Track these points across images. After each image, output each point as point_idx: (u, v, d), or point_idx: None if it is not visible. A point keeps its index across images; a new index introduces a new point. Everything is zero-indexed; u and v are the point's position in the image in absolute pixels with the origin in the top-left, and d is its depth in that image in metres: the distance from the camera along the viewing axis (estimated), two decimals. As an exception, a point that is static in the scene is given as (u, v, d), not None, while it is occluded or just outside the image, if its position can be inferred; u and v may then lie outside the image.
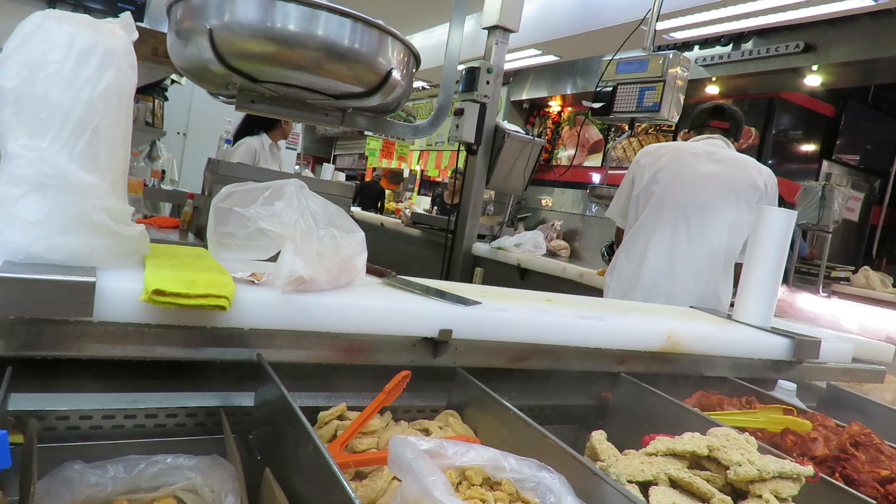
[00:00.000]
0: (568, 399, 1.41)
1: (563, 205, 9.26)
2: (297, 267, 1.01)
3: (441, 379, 1.22)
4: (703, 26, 4.50)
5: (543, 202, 9.76)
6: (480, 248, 3.85)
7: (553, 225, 8.11)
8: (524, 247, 3.60)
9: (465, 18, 1.73)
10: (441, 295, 1.23)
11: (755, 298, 1.74)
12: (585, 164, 9.35)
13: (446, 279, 3.98)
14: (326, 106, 1.43)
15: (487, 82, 3.68)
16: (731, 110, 2.54)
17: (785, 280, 6.11)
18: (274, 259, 1.08)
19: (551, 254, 5.36)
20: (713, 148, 2.40)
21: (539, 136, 10.04)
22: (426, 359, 1.17)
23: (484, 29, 3.80)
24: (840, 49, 5.51)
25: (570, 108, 9.33)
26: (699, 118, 2.55)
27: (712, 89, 7.22)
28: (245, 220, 1.11)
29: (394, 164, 13.92)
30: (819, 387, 1.78)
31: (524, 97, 9.35)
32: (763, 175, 2.40)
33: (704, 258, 2.34)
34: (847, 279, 6.07)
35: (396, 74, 1.29)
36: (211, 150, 3.93)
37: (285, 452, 0.85)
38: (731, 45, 6.14)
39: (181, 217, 3.17)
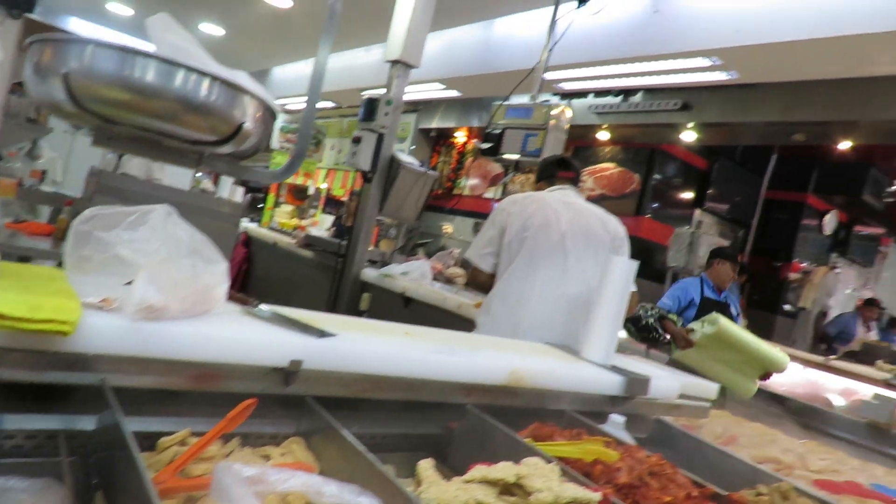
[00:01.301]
0: (418, 428, 1.51)
1: (464, 232, 9.52)
2: (149, 295, 1.05)
3: (291, 407, 1.28)
4: (590, 80, 4.86)
5: (445, 229, 10.00)
6: (370, 273, 3.93)
7: (451, 252, 8.32)
8: (411, 275, 3.72)
9: (320, 87, 1.83)
10: (297, 326, 1.30)
11: (598, 338, 1.93)
12: (486, 195, 9.69)
13: (334, 303, 4.02)
14: (182, 149, 1.47)
15: (386, 113, 3.80)
16: (574, 162, 2.80)
17: (656, 317, 6.62)
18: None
19: (447, 280, 5.52)
20: (568, 198, 2.62)
21: (445, 164, 10.31)
22: (277, 387, 1.23)
23: (387, 62, 3.93)
24: (712, 111, 6.10)
25: (474, 140, 9.66)
26: (548, 169, 2.76)
27: (603, 135, 7.76)
28: (104, 245, 1.13)
29: (299, 181, 13.74)
30: (650, 421, 1.99)
31: (433, 126, 9.58)
32: (611, 223, 2.64)
33: (568, 301, 2.54)
34: (709, 319, 6.65)
35: (249, 126, 1.36)
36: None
37: (116, 477, 0.89)
38: (621, 97, 6.63)
39: (57, 224, 3.02)
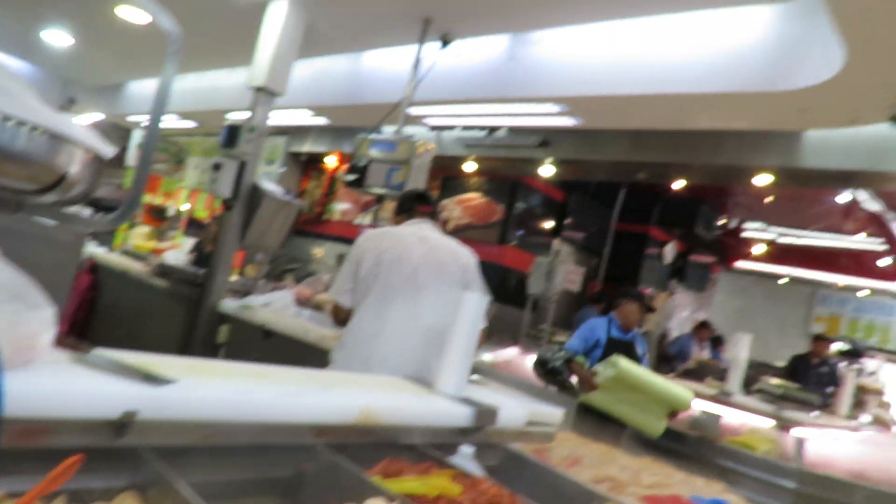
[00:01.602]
0: (267, 472, 1.49)
1: (334, 258, 9.41)
2: (-44, 349, 0.97)
3: (126, 459, 1.22)
4: (454, 117, 5.08)
5: (315, 254, 9.84)
6: (229, 305, 3.78)
7: (320, 278, 8.18)
8: (273, 306, 3.63)
9: (158, 123, 1.79)
10: (133, 373, 1.25)
11: (450, 371, 2.01)
12: (357, 220, 9.68)
13: (189, 336, 3.82)
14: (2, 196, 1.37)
15: (249, 141, 3.72)
16: (432, 196, 2.91)
17: (517, 341, 6.94)
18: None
19: (316, 307, 5.42)
20: (424, 232, 2.71)
21: (315, 188, 10.18)
22: (109, 440, 1.17)
23: (250, 89, 3.86)
24: (567, 148, 6.58)
25: (346, 165, 9.63)
26: (407, 203, 2.84)
27: (470, 166, 8.08)
28: None
29: (158, 200, 12.89)
30: (501, 448, 2.10)
31: (304, 150, 9.44)
32: (464, 256, 2.75)
33: (421, 334, 2.61)
34: (563, 342, 7.08)
35: (75, 174, 1.30)
36: None
37: None
38: (486, 132, 6.96)
39: None
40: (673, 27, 3.32)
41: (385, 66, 4.77)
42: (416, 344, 2.61)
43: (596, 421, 3.30)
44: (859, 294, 11.74)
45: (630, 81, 3.53)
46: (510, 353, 6.48)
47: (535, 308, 7.68)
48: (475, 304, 2.08)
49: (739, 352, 5.70)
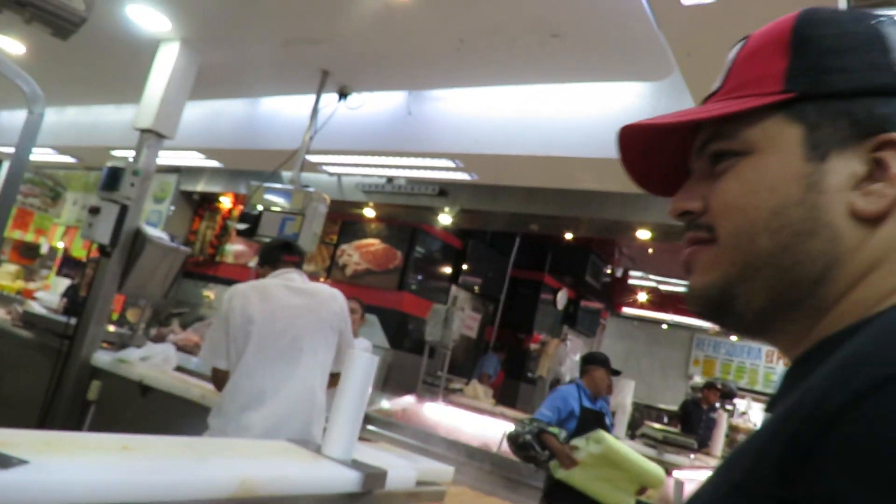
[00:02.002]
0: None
1: (227, 301, 8.98)
2: None
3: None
4: (353, 166, 5.10)
5: (206, 297, 9.38)
6: (103, 358, 3.51)
7: (210, 323, 7.81)
8: (152, 360, 3.41)
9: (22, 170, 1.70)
10: (-23, 457, 1.13)
11: (338, 433, 1.97)
12: (251, 263, 9.36)
13: (56, 394, 3.50)
14: None
15: (132, 184, 3.54)
16: (297, 245, 2.87)
17: (414, 390, 6.91)
18: None
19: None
20: (293, 283, 2.63)
21: (208, 229, 9.77)
22: (-60, 535, 1.05)
23: (136, 130, 3.70)
24: (465, 198, 6.76)
25: (241, 206, 9.35)
26: (272, 255, 2.74)
27: (369, 212, 8.10)
28: None
29: (29, 237, 11.86)
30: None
31: (197, 189, 9.07)
32: (338, 300, 2.70)
33: (302, 391, 2.54)
34: (461, 390, 7.14)
35: None
36: None
37: None
38: (385, 179, 7.02)
39: None
40: (559, 95, 3.56)
41: (283, 112, 4.74)
42: (299, 403, 2.52)
43: (571, 499, 3.15)
44: (732, 338, 12.73)
45: (520, 143, 3.72)
46: (407, 400, 6.43)
47: (432, 355, 7.70)
48: (364, 362, 2.06)
49: (625, 397, 5.98)
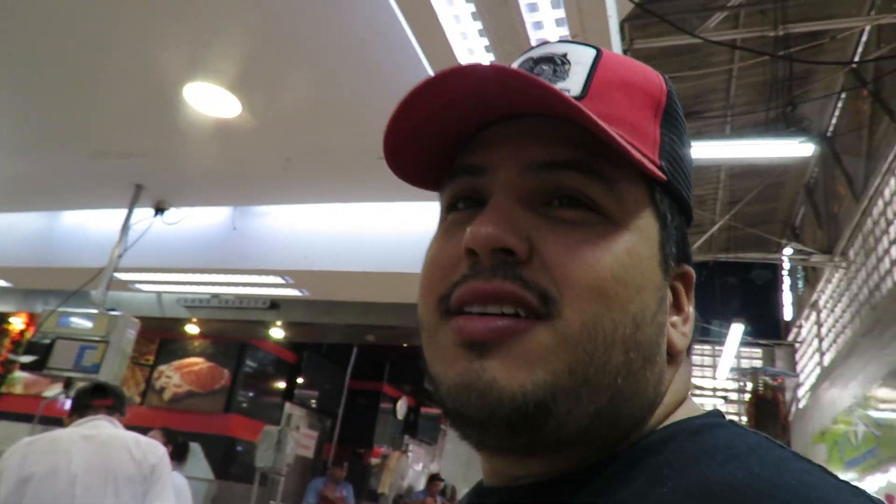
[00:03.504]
0: None
1: (13, 439, 7.60)
2: None
3: None
4: (172, 284, 4.74)
5: (-17, 435, 7.86)
6: None
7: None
8: None
9: None
10: None
11: None
12: (47, 393, 8.10)
13: None
14: None
15: None
16: (113, 387, 2.55)
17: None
18: None
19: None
20: (94, 430, 2.30)
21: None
22: None
23: None
24: (297, 312, 6.52)
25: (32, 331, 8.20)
26: (80, 400, 2.43)
27: (192, 328, 7.50)
28: None
29: None
30: None
31: (-20, 308, 7.81)
32: (142, 448, 2.35)
33: None
34: (297, 519, 6.54)
35: None
36: None
37: None
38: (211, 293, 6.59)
39: None
40: (389, 213, 3.64)
41: (88, 226, 4.31)
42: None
43: None
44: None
45: (352, 259, 3.71)
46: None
47: (264, 482, 7.03)
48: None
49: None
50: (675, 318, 0.44)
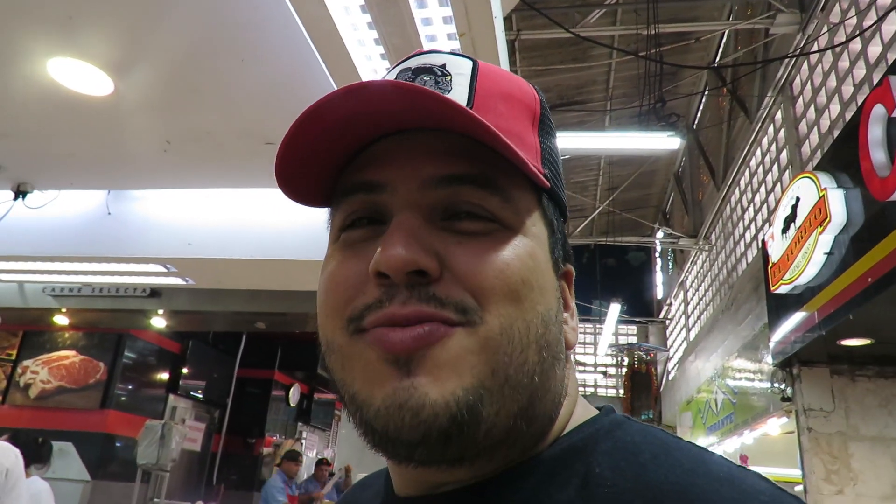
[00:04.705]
0: None
1: None
2: None
3: None
4: (33, 273, 4.36)
5: None
6: None
7: None
8: None
9: None
10: None
11: None
12: None
13: None
14: None
15: None
16: None
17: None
18: None
19: None
20: None
21: None
22: None
23: None
24: (181, 300, 6.22)
25: None
26: None
27: (62, 319, 6.95)
28: None
29: None
30: None
31: None
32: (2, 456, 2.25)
33: None
34: (182, 515, 6.31)
35: None
36: None
37: None
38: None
39: None
40: (276, 200, 3.56)
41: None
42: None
43: None
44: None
45: (238, 247, 3.60)
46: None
47: (146, 479, 6.70)
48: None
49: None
50: (565, 315, 0.46)
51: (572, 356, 0.50)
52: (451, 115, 0.39)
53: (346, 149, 0.44)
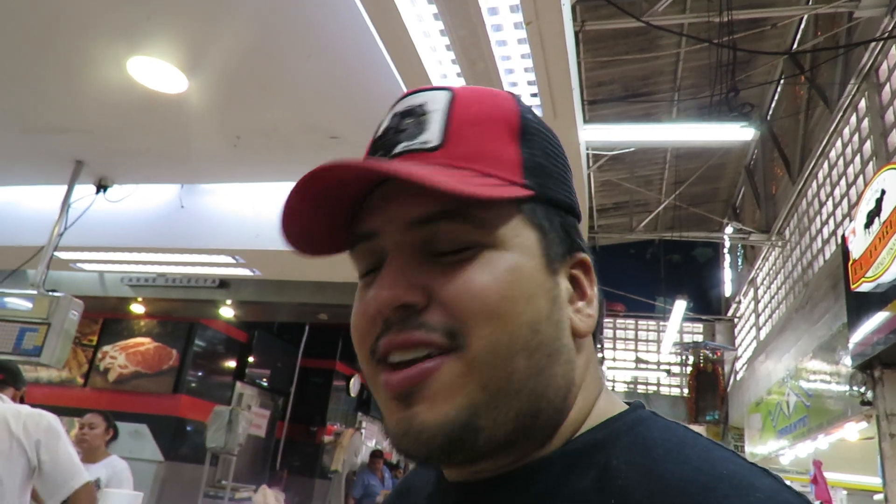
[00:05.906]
0: None
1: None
2: None
3: None
4: (115, 263, 4.58)
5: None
6: None
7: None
8: None
9: None
10: None
11: None
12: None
13: None
14: None
15: None
16: (4, 363, 2.52)
17: (196, 502, 6.16)
18: None
19: None
20: None
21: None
22: None
23: None
24: (248, 291, 6.43)
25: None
26: None
27: (138, 308, 7.30)
28: None
29: None
30: None
31: None
32: (22, 418, 2.30)
33: None
34: (249, 498, 6.53)
35: None
36: None
37: None
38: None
39: None
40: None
41: (22, 204, 4.13)
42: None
43: None
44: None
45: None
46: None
47: (215, 462, 6.98)
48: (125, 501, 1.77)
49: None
50: (579, 304, 0.50)
51: (592, 345, 0.52)
52: (399, 177, 0.43)
53: (338, 208, 0.49)
